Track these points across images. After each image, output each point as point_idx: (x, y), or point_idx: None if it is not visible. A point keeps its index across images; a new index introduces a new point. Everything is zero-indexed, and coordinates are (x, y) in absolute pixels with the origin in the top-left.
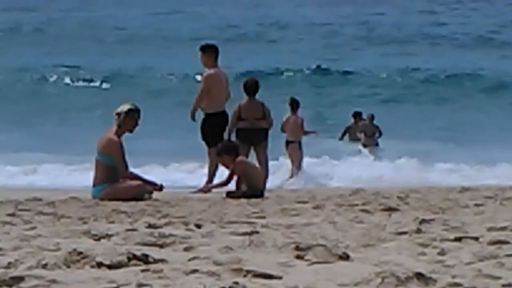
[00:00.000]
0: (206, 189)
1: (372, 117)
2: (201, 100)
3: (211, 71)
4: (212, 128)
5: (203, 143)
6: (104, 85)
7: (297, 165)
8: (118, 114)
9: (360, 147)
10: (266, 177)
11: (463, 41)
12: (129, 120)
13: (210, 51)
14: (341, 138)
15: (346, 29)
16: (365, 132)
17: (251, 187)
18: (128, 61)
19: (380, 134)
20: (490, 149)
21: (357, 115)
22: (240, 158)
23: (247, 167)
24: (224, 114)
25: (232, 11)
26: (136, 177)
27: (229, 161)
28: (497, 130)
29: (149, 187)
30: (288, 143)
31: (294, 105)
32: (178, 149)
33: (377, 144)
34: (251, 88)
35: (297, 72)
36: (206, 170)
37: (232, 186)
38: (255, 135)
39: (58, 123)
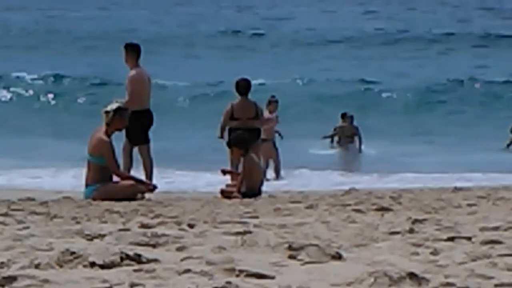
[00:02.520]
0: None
1: (351, 119)
2: (132, 102)
3: (134, 71)
4: (135, 126)
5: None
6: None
7: (276, 165)
8: (107, 112)
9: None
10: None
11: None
12: (118, 119)
13: (131, 50)
14: (332, 141)
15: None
16: (343, 133)
17: (250, 187)
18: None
19: (360, 138)
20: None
21: (345, 116)
22: (250, 155)
23: (254, 166)
24: (148, 112)
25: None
26: (129, 177)
27: (237, 154)
28: None
29: (142, 187)
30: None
31: (271, 103)
32: None
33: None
34: (244, 88)
35: None
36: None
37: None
38: (248, 135)
39: None
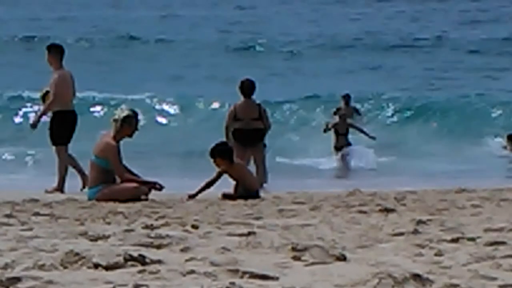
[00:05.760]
0: (59, 188)
1: (348, 99)
2: (53, 105)
3: (58, 73)
4: (60, 127)
5: (51, 142)
6: None
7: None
8: (115, 120)
9: (333, 151)
10: (265, 177)
11: None
12: (127, 127)
13: (55, 51)
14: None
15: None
16: (337, 130)
17: (247, 189)
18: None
19: (363, 131)
20: None
21: (346, 97)
22: (237, 161)
23: (244, 171)
24: (72, 113)
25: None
26: (134, 179)
27: (222, 164)
28: None
29: (145, 189)
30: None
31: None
32: None
33: (349, 143)
34: (248, 89)
35: None
36: (56, 170)
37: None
38: (251, 136)
39: None
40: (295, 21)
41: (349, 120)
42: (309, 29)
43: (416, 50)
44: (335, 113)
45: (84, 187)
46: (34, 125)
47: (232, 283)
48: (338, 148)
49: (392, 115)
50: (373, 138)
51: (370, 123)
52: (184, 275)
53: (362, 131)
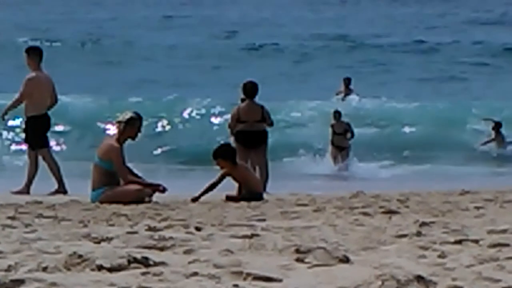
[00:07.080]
0: (25, 190)
1: (339, 114)
2: (18, 102)
3: (33, 74)
4: (34, 131)
5: (27, 146)
6: None
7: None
8: (119, 122)
9: (329, 154)
10: (267, 179)
11: None
12: (130, 129)
13: (33, 54)
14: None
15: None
16: (334, 131)
17: (250, 191)
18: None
19: (352, 134)
20: None
21: (346, 80)
22: (240, 164)
23: (247, 173)
24: (45, 116)
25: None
26: (138, 182)
27: (224, 165)
28: None
29: (149, 191)
30: None
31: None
32: None
33: (349, 146)
34: (250, 91)
35: None
36: (26, 172)
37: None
38: (254, 138)
39: None
40: (300, 22)
41: (345, 120)
42: (315, 29)
43: (419, 52)
44: (337, 94)
45: (20, 192)
46: (2, 117)
47: (236, 285)
48: (335, 146)
49: (395, 116)
50: (352, 136)
51: (371, 125)
52: (187, 277)
53: (351, 132)
